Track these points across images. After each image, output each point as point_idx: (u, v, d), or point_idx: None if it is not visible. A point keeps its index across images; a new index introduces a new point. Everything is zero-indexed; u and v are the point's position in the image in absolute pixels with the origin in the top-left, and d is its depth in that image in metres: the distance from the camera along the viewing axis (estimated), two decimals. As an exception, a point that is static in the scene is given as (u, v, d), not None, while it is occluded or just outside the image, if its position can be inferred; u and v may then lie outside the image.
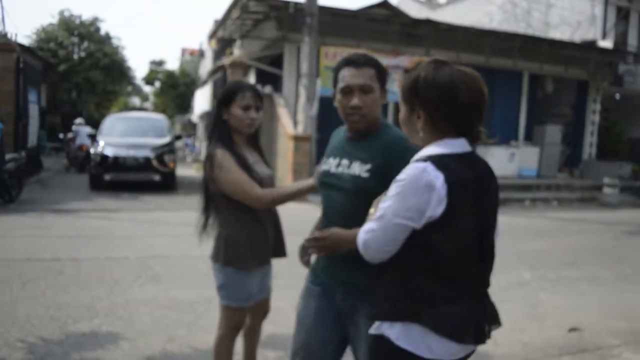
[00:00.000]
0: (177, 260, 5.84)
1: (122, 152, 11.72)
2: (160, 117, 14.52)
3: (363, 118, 1.99)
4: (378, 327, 1.62)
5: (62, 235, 7.00)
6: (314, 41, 11.30)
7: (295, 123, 12.08)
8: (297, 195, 2.43)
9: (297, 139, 11.32)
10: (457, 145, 1.58)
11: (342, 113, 2.03)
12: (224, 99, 2.49)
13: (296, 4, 11.82)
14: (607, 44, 15.94)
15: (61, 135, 19.30)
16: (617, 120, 18.31)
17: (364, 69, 1.97)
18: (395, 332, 1.57)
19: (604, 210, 12.73)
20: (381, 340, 1.59)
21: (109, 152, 11.69)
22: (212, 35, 18.45)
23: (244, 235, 2.47)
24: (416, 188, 1.49)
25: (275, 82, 13.85)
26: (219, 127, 2.50)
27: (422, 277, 1.56)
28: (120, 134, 12.53)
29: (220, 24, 15.68)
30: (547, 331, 4.28)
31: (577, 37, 16.98)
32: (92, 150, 12.37)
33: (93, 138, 14.41)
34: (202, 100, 22.51)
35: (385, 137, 2.00)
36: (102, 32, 26.53)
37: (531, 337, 4.13)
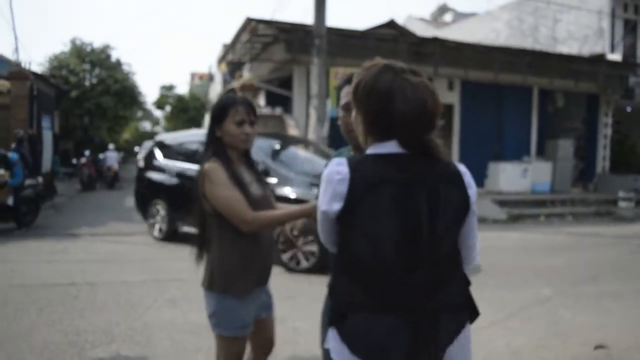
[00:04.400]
0: (194, 283, 5.73)
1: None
2: None
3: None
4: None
5: (78, 260, 7.01)
6: (323, 62, 11.38)
7: (306, 143, 12.11)
8: (292, 218, 2.24)
9: (308, 159, 11.33)
10: (385, 147, 1.50)
11: (343, 130, 2.04)
12: (216, 115, 2.36)
13: (305, 26, 11.93)
14: (616, 56, 15.91)
15: (74, 161, 19.52)
16: (629, 132, 18.19)
17: None
18: (330, 340, 1.52)
19: (619, 224, 12.56)
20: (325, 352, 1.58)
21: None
22: (222, 59, 18.63)
23: (237, 258, 2.30)
24: (322, 181, 1.51)
25: (285, 103, 13.93)
26: (213, 144, 2.36)
27: (343, 280, 1.50)
28: None
29: (229, 48, 15.85)
30: (572, 349, 4.19)
31: (585, 51, 16.98)
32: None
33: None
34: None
35: None
36: (113, 58, 26.89)
37: (556, 356, 4.04)
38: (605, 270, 7.18)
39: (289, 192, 6.85)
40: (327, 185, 1.47)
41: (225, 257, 2.30)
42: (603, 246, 9.42)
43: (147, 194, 8.92)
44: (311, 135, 11.86)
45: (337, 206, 1.46)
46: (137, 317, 4.66)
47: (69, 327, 4.34)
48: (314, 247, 6.41)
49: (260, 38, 13.53)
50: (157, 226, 8.60)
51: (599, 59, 15.64)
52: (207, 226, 2.39)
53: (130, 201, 14.68)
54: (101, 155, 20.77)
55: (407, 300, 1.45)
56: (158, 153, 8.97)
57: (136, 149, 34.39)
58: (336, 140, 12.29)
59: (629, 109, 17.90)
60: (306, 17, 45.16)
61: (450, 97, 14.78)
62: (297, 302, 5.13)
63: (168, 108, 38.68)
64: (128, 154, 37.84)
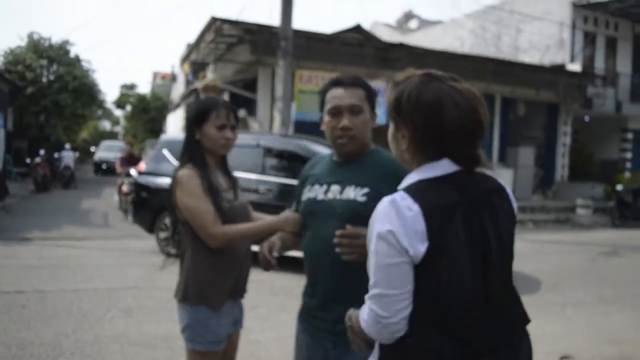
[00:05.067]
0: (150, 292, 5.56)
1: None
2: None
3: (352, 140, 1.85)
4: None
5: (28, 266, 6.64)
6: (288, 65, 11.21)
7: (270, 147, 11.91)
8: (265, 232, 2.08)
9: (272, 162, 11.13)
10: (438, 168, 1.34)
11: (330, 136, 1.89)
12: (196, 116, 2.22)
13: (271, 27, 11.76)
14: (575, 67, 16.28)
15: (28, 160, 18.79)
16: (587, 142, 18.67)
17: (352, 89, 1.85)
18: None
19: (578, 231, 12.82)
20: None
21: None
22: (185, 59, 18.26)
23: (211, 270, 2.17)
24: (388, 222, 1.26)
25: (249, 105, 13.71)
26: (190, 148, 2.23)
27: (427, 333, 1.28)
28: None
29: (193, 48, 15.53)
30: (538, 359, 4.14)
31: (546, 60, 17.33)
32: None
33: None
34: (175, 125, 22.21)
35: (381, 161, 1.87)
36: (72, 55, 26.05)
37: (522, 367, 3.98)
38: (567, 277, 7.25)
39: None
40: (401, 225, 1.24)
41: (198, 268, 2.18)
42: (564, 253, 9.55)
43: (156, 203, 7.70)
44: (276, 139, 11.68)
45: (422, 247, 1.25)
46: (88, 328, 4.39)
47: (14, 340, 4.05)
48: None
49: (225, 38, 13.28)
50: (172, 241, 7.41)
51: (559, 69, 15.98)
52: (181, 235, 2.25)
53: (86, 203, 14.22)
54: (56, 155, 20.35)
55: (493, 335, 1.32)
56: (169, 156, 7.71)
57: (92, 149, 33.54)
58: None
59: (587, 119, 18.37)
60: (272, 18, 45.06)
61: (415, 103, 14.81)
62: (260, 313, 4.94)
63: (129, 107, 37.77)
64: (85, 153, 36.87)
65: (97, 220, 11.28)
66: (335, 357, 1.79)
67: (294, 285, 5.44)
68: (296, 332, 1.98)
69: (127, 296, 5.39)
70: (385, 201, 1.30)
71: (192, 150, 2.22)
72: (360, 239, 1.60)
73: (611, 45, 18.27)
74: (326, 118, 1.88)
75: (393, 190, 1.68)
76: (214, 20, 12.23)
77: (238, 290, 2.31)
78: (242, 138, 7.61)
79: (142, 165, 8.51)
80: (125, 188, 11.14)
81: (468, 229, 1.28)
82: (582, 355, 4.25)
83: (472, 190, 1.34)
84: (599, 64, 17.86)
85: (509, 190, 1.44)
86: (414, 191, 1.30)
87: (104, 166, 26.55)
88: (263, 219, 2.23)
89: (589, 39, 17.65)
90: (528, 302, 5.12)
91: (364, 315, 1.33)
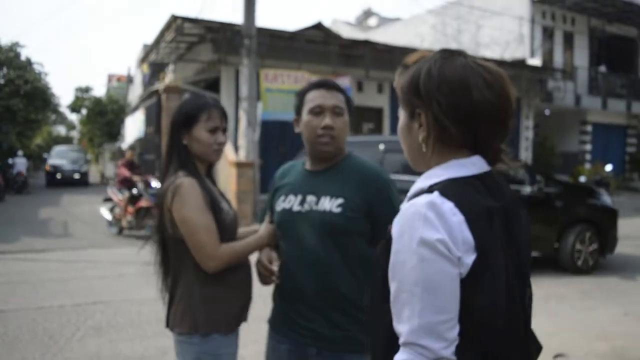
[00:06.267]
0: (120, 306, 5.22)
1: None
2: None
3: (333, 141, 1.83)
4: None
5: (-17, 283, 6.21)
6: (253, 63, 10.94)
7: (236, 149, 11.61)
8: (254, 249, 1.91)
9: (239, 165, 10.83)
10: (469, 166, 1.11)
11: (309, 136, 1.85)
12: (185, 118, 1.92)
13: (233, 25, 11.47)
14: (536, 62, 16.53)
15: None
16: (547, 135, 19.03)
17: (335, 92, 1.88)
18: None
19: (545, 224, 12.96)
20: None
21: None
22: (144, 59, 17.73)
23: (222, 288, 1.87)
24: (433, 228, 1.00)
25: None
26: (179, 154, 1.92)
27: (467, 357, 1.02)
28: None
29: (152, 47, 15.05)
30: None
31: (507, 55, 17.54)
32: None
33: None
34: (134, 127, 21.52)
35: (357, 169, 1.87)
36: (23, 57, 25.02)
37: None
38: (543, 271, 7.23)
39: None
40: (448, 233, 1.00)
41: (210, 290, 1.85)
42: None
43: None
44: (241, 140, 11.37)
45: (469, 260, 1.01)
46: (57, 350, 4.06)
47: (-27, 368, 3.71)
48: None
49: (186, 37, 12.91)
50: None
51: (520, 63, 16.18)
52: (173, 257, 1.91)
53: (44, 212, 13.58)
54: (10, 161, 19.81)
55: (529, 356, 1.18)
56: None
57: (45, 155, 32.29)
58: (266, 145, 11.91)
59: (547, 112, 18.70)
60: (234, 16, 44.69)
61: (380, 101, 14.76)
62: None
63: (84, 111, 36.62)
64: (40, 160, 35.61)
65: (56, 230, 10.76)
66: None
67: (269, 294, 5.19)
68: (270, 341, 1.94)
69: (96, 312, 5.05)
70: (420, 203, 1.03)
71: (182, 158, 1.92)
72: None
73: (568, 40, 18.66)
74: (306, 118, 1.85)
75: (366, 197, 1.78)
76: (174, 18, 11.85)
77: (246, 311, 2.02)
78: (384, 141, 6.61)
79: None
80: (145, 202, 9.42)
81: (506, 240, 1.08)
82: (574, 352, 4.18)
83: (503, 193, 1.13)
84: (558, 58, 18.21)
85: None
86: (448, 192, 1.05)
87: (58, 176, 23.47)
88: (250, 235, 1.99)
89: (548, 34, 17.97)
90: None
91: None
